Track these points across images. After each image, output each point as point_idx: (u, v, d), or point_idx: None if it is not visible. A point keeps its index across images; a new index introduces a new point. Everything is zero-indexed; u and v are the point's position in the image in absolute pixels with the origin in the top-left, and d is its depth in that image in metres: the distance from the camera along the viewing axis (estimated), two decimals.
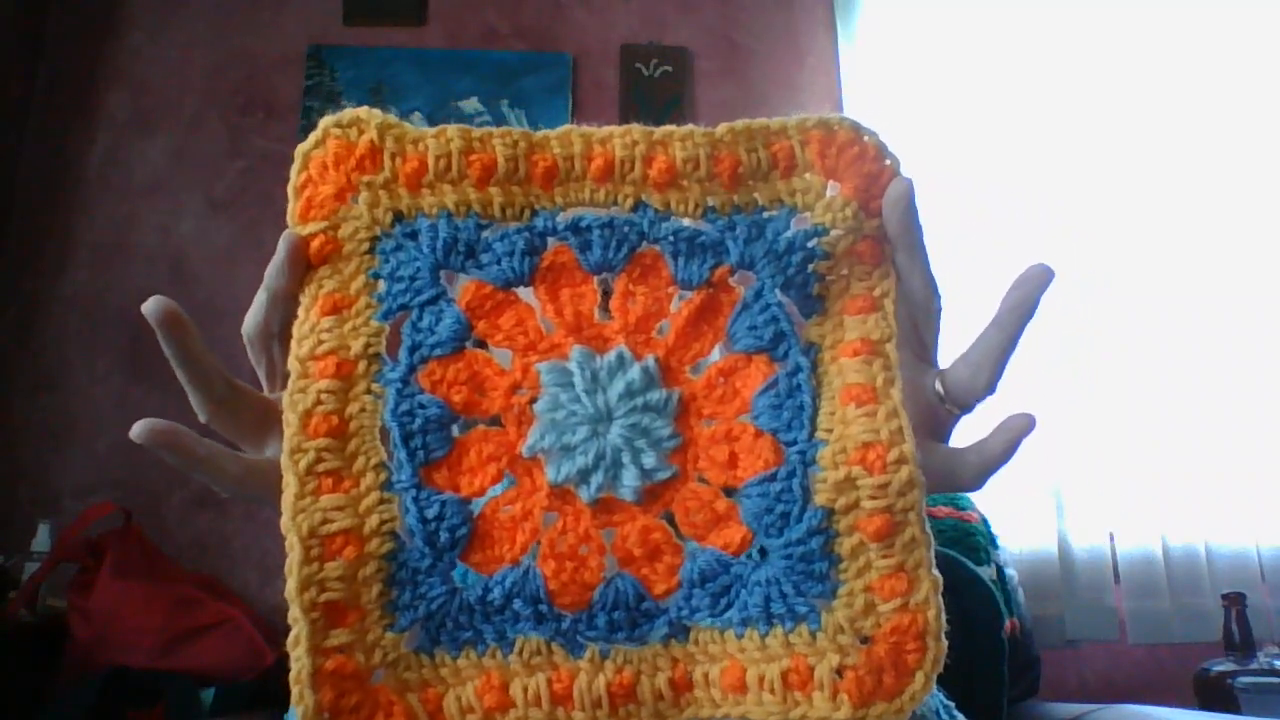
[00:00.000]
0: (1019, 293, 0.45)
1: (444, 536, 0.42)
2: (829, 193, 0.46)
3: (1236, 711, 1.38)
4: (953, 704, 0.67)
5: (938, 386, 0.47)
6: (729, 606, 0.42)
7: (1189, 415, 1.85)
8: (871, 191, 0.46)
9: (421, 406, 0.43)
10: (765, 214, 0.46)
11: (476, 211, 0.45)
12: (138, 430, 0.41)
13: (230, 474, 0.43)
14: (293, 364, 0.43)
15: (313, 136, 0.46)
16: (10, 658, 1.41)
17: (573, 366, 0.44)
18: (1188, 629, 1.74)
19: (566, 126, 0.46)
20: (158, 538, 1.66)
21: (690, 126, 0.46)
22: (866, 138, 0.46)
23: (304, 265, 0.45)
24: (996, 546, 1.35)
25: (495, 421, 0.45)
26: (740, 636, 0.42)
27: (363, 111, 0.46)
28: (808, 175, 0.46)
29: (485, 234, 0.46)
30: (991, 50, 2.06)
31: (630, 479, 0.43)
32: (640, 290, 0.46)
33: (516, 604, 0.42)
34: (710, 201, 0.46)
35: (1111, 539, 1.81)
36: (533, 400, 0.44)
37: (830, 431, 0.43)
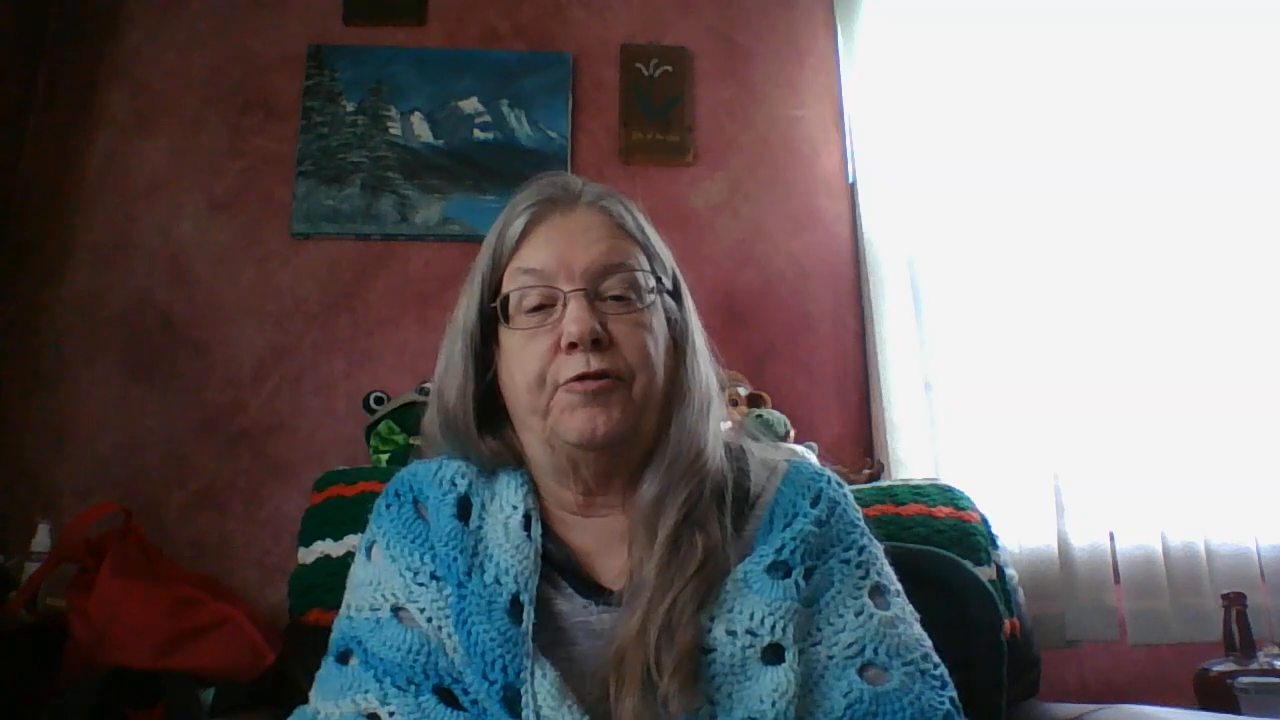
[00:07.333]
0: None
1: None
2: None
3: (1236, 711, 1.37)
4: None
5: None
6: None
7: (1189, 414, 1.85)
8: None
9: None
10: None
11: None
12: None
13: None
14: None
15: None
16: (10, 658, 1.41)
17: None
18: (1188, 629, 1.74)
19: None
20: (158, 538, 1.65)
21: None
22: None
23: None
24: (996, 546, 1.35)
25: None
26: None
27: None
28: None
29: None
30: (991, 49, 2.06)
31: None
32: None
33: None
34: None
35: (1111, 538, 1.81)
36: None
37: None
